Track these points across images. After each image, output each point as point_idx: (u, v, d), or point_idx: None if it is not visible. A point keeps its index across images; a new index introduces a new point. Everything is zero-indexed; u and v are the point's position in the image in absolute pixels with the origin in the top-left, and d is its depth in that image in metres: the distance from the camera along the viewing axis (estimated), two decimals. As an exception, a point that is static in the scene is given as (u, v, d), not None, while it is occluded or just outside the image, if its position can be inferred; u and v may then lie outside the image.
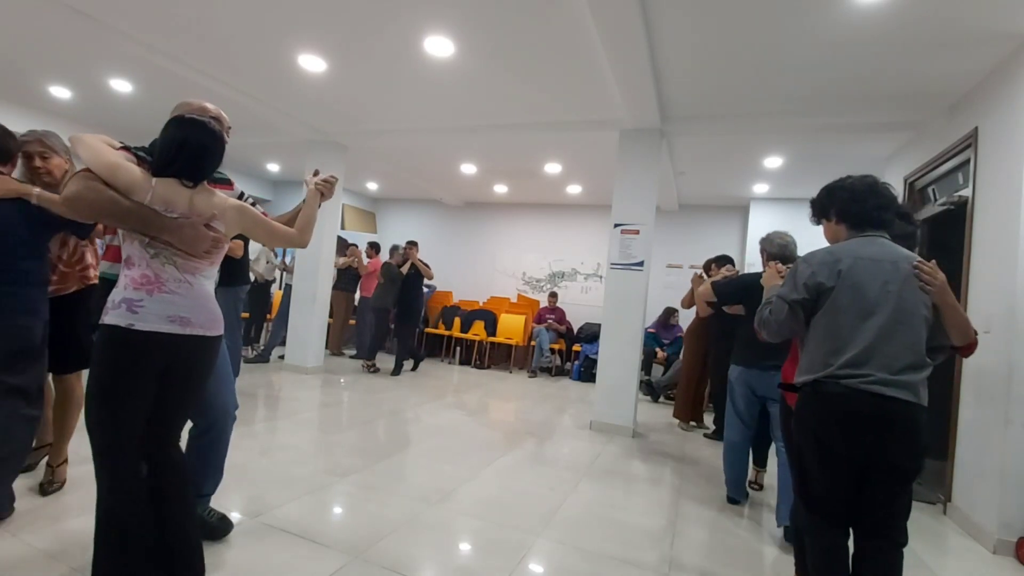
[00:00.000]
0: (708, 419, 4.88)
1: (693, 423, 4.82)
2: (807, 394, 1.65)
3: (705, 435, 4.59)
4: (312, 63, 3.98)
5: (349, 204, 9.16)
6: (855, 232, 1.71)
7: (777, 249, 2.83)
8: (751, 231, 7.02)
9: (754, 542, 2.52)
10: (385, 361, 6.64)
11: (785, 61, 3.30)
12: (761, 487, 3.25)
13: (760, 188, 6.48)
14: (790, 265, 2.08)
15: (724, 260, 4.05)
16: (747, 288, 2.87)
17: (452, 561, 2.07)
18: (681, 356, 5.24)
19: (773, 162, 5.37)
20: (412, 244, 6.33)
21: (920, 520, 3.00)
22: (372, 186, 8.87)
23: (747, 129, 4.30)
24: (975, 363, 2.98)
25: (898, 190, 4.37)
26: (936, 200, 3.86)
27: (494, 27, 3.23)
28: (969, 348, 1.65)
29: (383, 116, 5.11)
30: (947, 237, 3.64)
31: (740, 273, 3.21)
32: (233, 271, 3.79)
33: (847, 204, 1.72)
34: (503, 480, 3.01)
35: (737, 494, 3.00)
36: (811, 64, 3.30)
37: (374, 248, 7.41)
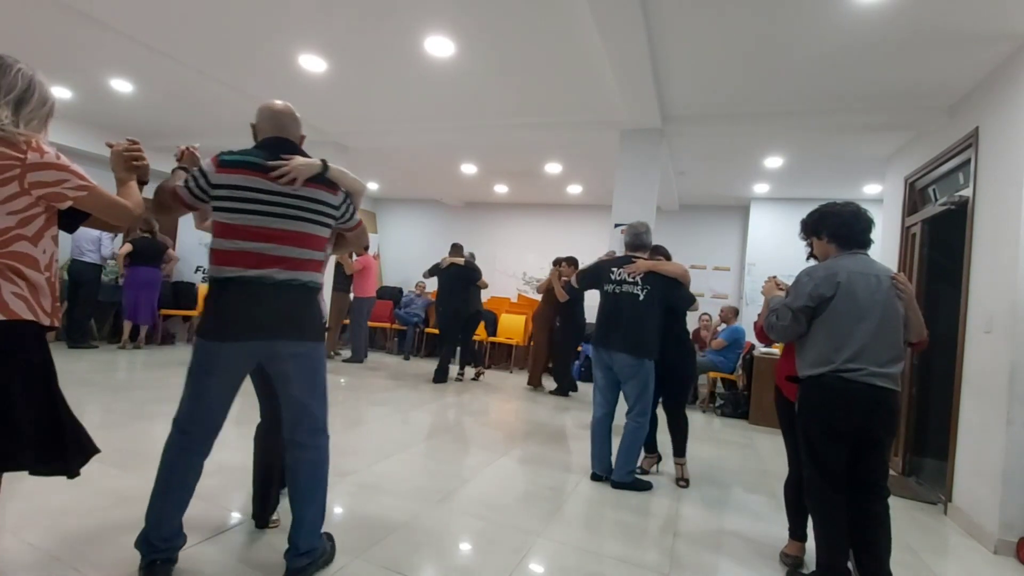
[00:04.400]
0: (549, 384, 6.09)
1: (537, 387, 6.07)
2: (812, 385, 1.98)
3: (550, 392, 5.90)
4: (312, 63, 3.98)
5: (349, 204, 9.15)
6: (843, 250, 2.05)
7: (631, 239, 3.15)
8: (751, 231, 7.02)
9: (756, 541, 2.52)
10: (382, 358, 6.62)
11: (785, 61, 3.30)
12: (687, 482, 3.24)
13: (760, 188, 6.47)
14: (776, 278, 2.34)
15: (573, 261, 5.58)
16: (595, 273, 3.19)
17: (452, 561, 2.07)
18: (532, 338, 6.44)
19: (773, 162, 5.37)
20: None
21: (921, 520, 3.01)
22: (372, 186, 8.86)
23: (747, 129, 4.30)
24: (976, 363, 2.98)
25: (897, 192, 4.37)
26: (937, 200, 3.86)
27: (494, 27, 3.23)
28: (921, 344, 2.05)
29: (383, 116, 5.11)
30: (948, 237, 3.64)
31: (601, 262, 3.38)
32: None
33: (838, 228, 2.06)
34: (503, 480, 3.01)
35: (601, 470, 3.09)
36: (811, 64, 3.30)
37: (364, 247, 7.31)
